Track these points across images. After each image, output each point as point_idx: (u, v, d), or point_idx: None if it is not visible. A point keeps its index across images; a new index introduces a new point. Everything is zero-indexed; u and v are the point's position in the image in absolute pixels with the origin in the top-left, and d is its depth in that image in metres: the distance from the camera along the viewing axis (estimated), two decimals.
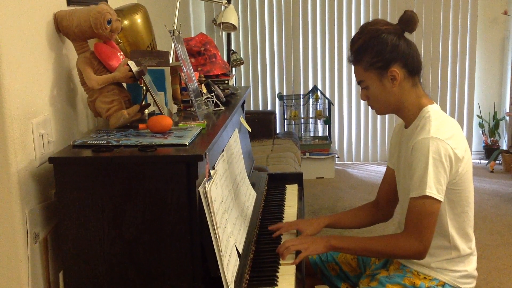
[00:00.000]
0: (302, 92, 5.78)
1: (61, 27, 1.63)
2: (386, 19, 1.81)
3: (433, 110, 1.75)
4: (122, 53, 1.75)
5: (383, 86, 1.75)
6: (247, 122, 2.49)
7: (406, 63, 1.74)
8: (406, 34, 1.78)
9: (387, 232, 3.38)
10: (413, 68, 1.76)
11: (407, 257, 1.77)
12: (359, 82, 1.81)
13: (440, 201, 1.65)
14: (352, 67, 1.81)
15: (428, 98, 1.80)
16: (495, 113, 5.68)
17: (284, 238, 1.92)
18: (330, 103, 5.58)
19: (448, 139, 1.66)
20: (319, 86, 5.74)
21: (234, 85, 3.34)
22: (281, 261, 1.75)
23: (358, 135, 5.89)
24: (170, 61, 2.03)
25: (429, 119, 1.71)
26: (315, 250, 1.78)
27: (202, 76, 2.24)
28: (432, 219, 1.66)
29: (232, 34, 5.51)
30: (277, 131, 5.61)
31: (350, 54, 1.80)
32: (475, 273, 1.84)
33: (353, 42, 1.78)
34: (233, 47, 5.56)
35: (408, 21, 1.75)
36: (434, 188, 1.63)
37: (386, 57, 1.72)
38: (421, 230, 1.66)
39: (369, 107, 1.85)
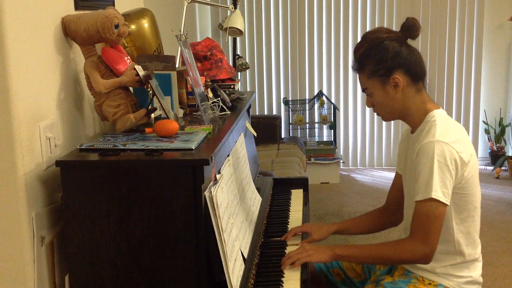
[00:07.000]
0: (307, 97, 5.78)
1: (69, 31, 1.64)
2: (392, 25, 1.83)
3: (438, 115, 1.75)
4: (129, 57, 1.76)
5: (387, 93, 1.76)
6: (252, 126, 2.50)
7: (409, 70, 1.75)
8: (411, 41, 1.78)
9: (391, 237, 3.37)
10: (416, 74, 1.76)
11: (413, 261, 1.75)
12: (363, 90, 1.82)
13: (446, 204, 1.65)
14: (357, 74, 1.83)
15: (433, 103, 1.80)
16: (501, 119, 5.66)
17: (289, 243, 1.92)
18: (336, 108, 5.58)
19: (454, 143, 1.66)
20: (325, 91, 5.74)
21: (240, 89, 3.34)
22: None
23: (363, 140, 5.88)
24: (177, 66, 2.04)
25: (434, 123, 1.71)
26: (319, 259, 1.77)
27: (208, 80, 2.25)
28: (438, 222, 1.65)
29: (238, 39, 5.52)
30: (282, 136, 5.61)
31: (353, 62, 1.82)
32: (480, 279, 1.83)
33: (356, 51, 1.81)
34: (239, 52, 5.58)
35: (410, 28, 1.76)
36: (439, 191, 1.63)
37: (387, 65, 1.73)
38: (427, 233, 1.65)
39: (375, 113, 1.86)
